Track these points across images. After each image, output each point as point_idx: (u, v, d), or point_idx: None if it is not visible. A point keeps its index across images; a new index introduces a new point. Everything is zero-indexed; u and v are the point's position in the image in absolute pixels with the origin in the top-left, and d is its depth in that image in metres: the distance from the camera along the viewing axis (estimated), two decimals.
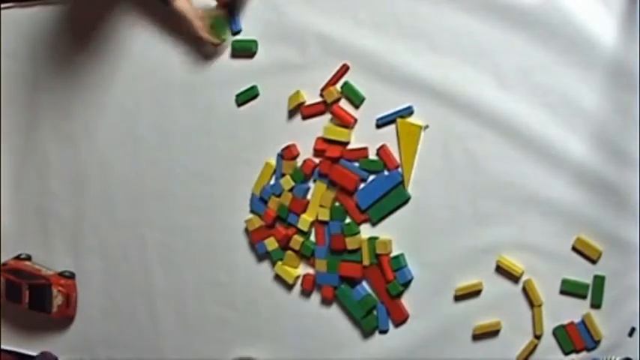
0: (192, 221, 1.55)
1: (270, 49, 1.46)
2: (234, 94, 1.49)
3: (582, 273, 1.22)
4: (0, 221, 1.77)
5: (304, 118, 1.43)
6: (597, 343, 1.22)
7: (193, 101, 1.54)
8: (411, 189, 1.35)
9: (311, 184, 1.43)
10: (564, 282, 1.24)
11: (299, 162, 1.43)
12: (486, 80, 1.27)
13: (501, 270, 1.28)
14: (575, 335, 1.23)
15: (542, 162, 1.24)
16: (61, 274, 1.68)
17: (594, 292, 1.22)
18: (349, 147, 1.39)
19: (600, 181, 1.21)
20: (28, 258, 1.74)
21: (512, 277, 1.27)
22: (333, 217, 1.40)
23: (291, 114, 1.44)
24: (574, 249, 1.23)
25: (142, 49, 1.58)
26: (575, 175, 1.22)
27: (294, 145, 1.43)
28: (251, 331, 1.50)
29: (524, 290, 1.26)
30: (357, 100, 1.38)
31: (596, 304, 1.22)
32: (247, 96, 1.48)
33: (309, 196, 1.43)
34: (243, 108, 1.49)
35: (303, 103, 1.42)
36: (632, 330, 1.19)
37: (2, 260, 1.74)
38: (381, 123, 1.36)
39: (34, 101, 1.72)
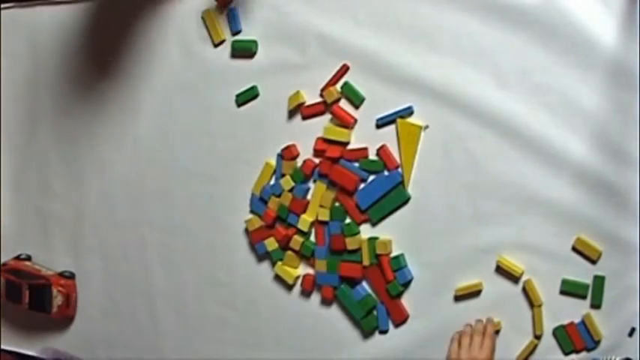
0: (192, 221, 1.55)
1: (270, 49, 1.46)
2: (234, 94, 1.49)
3: (582, 273, 1.22)
4: (0, 221, 1.77)
5: (304, 118, 1.43)
6: (597, 343, 1.22)
7: (193, 101, 1.54)
8: (411, 189, 1.35)
9: (311, 185, 1.43)
10: (564, 282, 1.23)
11: (299, 162, 1.43)
12: (486, 80, 1.27)
13: (501, 270, 1.28)
14: (575, 335, 1.23)
15: (542, 162, 1.24)
16: (61, 274, 1.68)
17: (594, 292, 1.22)
18: (349, 147, 1.39)
19: (600, 181, 1.21)
20: (28, 258, 1.74)
21: (512, 277, 1.27)
22: (333, 218, 1.40)
23: (291, 114, 1.44)
24: (574, 249, 1.23)
25: (142, 49, 1.58)
26: (575, 175, 1.22)
27: (294, 146, 1.43)
28: (251, 331, 1.50)
29: (524, 290, 1.26)
30: (357, 101, 1.38)
31: (596, 304, 1.22)
32: (247, 96, 1.48)
33: (309, 197, 1.43)
34: (243, 108, 1.49)
35: (303, 103, 1.42)
36: (632, 330, 1.19)
37: (2, 260, 1.75)
38: (381, 123, 1.36)
39: (34, 101, 1.73)
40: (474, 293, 1.30)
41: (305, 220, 1.42)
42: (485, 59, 1.27)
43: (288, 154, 1.43)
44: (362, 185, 1.38)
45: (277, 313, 1.47)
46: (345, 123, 1.38)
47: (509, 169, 1.26)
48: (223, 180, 1.51)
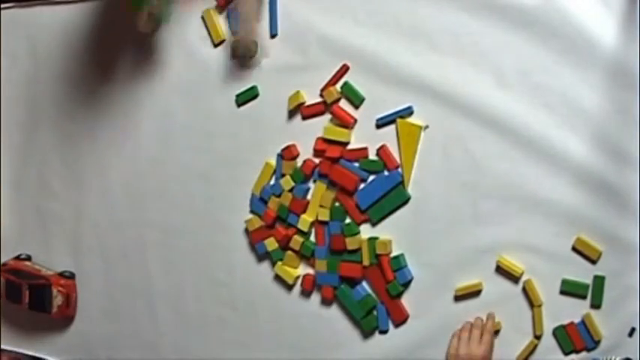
0: (192, 221, 1.55)
1: (270, 49, 1.46)
2: (234, 94, 1.49)
3: (582, 273, 1.22)
4: (0, 221, 1.77)
5: (304, 118, 1.43)
6: (597, 343, 1.22)
7: (193, 101, 1.54)
8: (411, 189, 1.35)
9: (311, 185, 1.43)
10: (564, 282, 1.23)
11: (299, 162, 1.43)
12: (486, 80, 1.27)
13: (501, 270, 1.28)
14: (575, 335, 1.23)
15: (542, 162, 1.24)
16: (61, 274, 1.68)
17: (594, 292, 1.22)
18: (349, 147, 1.39)
19: (600, 181, 1.21)
20: (28, 258, 1.74)
21: (512, 277, 1.27)
22: (333, 218, 1.40)
23: (291, 114, 1.44)
24: (574, 249, 1.23)
25: (142, 49, 1.58)
26: (576, 175, 1.22)
27: (294, 146, 1.43)
28: (251, 331, 1.50)
29: (524, 290, 1.26)
30: (357, 100, 1.38)
31: (596, 305, 1.22)
32: (247, 96, 1.48)
33: (309, 197, 1.43)
34: (243, 108, 1.49)
35: (303, 103, 1.42)
36: (632, 330, 1.19)
37: (2, 260, 1.74)
38: (381, 123, 1.36)
39: (34, 101, 1.73)
40: (473, 293, 1.30)
41: (305, 220, 1.42)
42: (485, 59, 1.27)
43: (288, 154, 1.43)
44: (362, 185, 1.38)
45: (277, 313, 1.47)
46: (345, 123, 1.38)
47: (509, 169, 1.26)
48: (223, 180, 1.51)
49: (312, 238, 1.44)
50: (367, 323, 1.38)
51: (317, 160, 1.42)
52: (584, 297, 1.22)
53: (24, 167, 1.75)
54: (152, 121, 1.58)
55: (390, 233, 1.37)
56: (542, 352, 1.26)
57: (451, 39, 1.30)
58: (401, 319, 1.36)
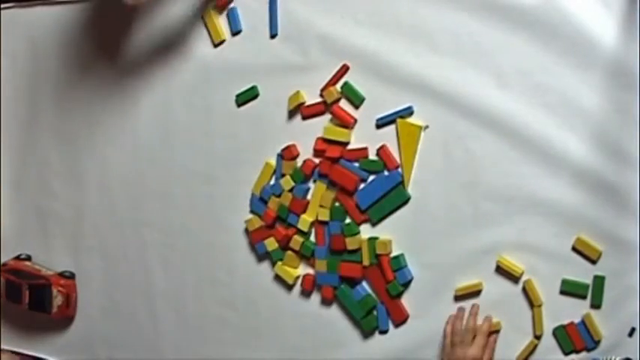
0: (192, 221, 1.55)
1: (270, 49, 1.46)
2: (234, 94, 1.49)
3: (582, 273, 1.22)
4: (0, 221, 1.77)
5: (304, 118, 1.43)
6: (597, 343, 1.22)
7: (193, 101, 1.54)
8: (410, 189, 1.35)
9: (311, 185, 1.43)
10: (564, 282, 1.23)
11: (299, 162, 1.43)
12: (486, 80, 1.27)
13: (501, 270, 1.28)
14: (575, 335, 1.23)
15: (542, 162, 1.24)
16: (61, 274, 1.68)
17: (594, 292, 1.22)
18: (349, 147, 1.39)
19: (600, 181, 1.21)
20: (28, 258, 1.74)
21: (512, 277, 1.27)
22: (333, 218, 1.40)
23: (291, 114, 1.44)
24: (574, 249, 1.23)
25: (141, 49, 1.58)
26: (575, 175, 1.22)
27: (294, 146, 1.43)
28: (251, 331, 1.50)
29: (524, 290, 1.26)
30: (357, 101, 1.38)
31: (596, 304, 1.22)
32: (247, 96, 1.48)
33: (309, 197, 1.43)
34: (243, 108, 1.49)
35: (303, 103, 1.42)
36: (632, 330, 1.19)
37: (2, 260, 1.75)
38: (381, 123, 1.36)
39: (34, 101, 1.73)
40: (473, 293, 1.30)
41: (305, 220, 1.42)
42: (486, 59, 1.27)
43: (288, 154, 1.43)
44: (362, 185, 1.38)
45: (277, 313, 1.47)
46: (345, 123, 1.38)
47: (509, 169, 1.26)
48: (223, 180, 1.51)
49: (312, 238, 1.44)
50: (367, 323, 1.38)
51: (317, 160, 1.42)
52: (584, 297, 1.22)
53: (24, 167, 1.75)
54: (152, 121, 1.58)
55: (390, 233, 1.37)
56: (542, 352, 1.26)
57: (451, 39, 1.30)
58: (401, 319, 1.36)
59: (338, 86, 1.40)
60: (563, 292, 1.24)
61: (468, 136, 1.29)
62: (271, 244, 1.46)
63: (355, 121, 1.39)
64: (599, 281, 1.21)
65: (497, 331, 1.28)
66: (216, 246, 1.53)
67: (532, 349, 1.26)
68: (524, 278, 1.26)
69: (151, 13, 1.57)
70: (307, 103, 1.42)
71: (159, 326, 1.60)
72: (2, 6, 1.75)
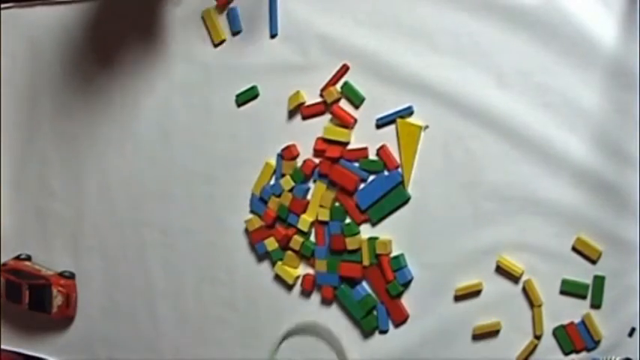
0: (192, 221, 1.55)
1: (270, 49, 1.46)
2: (234, 94, 1.49)
3: (582, 273, 1.22)
4: (0, 221, 1.77)
5: (304, 118, 1.43)
6: (597, 343, 1.22)
7: (193, 101, 1.54)
8: (410, 189, 1.35)
9: (311, 185, 1.43)
10: (564, 282, 1.23)
11: (299, 162, 1.43)
12: (486, 80, 1.27)
13: (501, 270, 1.28)
14: (575, 335, 1.23)
15: (542, 162, 1.24)
16: (61, 274, 1.68)
17: (594, 292, 1.22)
18: (349, 147, 1.39)
19: (600, 181, 1.21)
20: (28, 258, 1.74)
21: (512, 277, 1.27)
22: (333, 218, 1.40)
23: (291, 114, 1.44)
24: (574, 249, 1.23)
25: (142, 49, 1.58)
26: (575, 175, 1.22)
27: (294, 146, 1.43)
28: (251, 331, 1.50)
29: (524, 290, 1.26)
30: (357, 101, 1.38)
31: (596, 304, 1.22)
32: (247, 96, 1.48)
33: (309, 197, 1.43)
34: (243, 108, 1.49)
35: (303, 103, 1.42)
36: (632, 330, 1.19)
37: (2, 260, 1.75)
38: (381, 123, 1.36)
39: (34, 101, 1.73)
40: (473, 293, 1.30)
41: (305, 220, 1.42)
42: (486, 59, 1.27)
43: (288, 154, 1.43)
44: (362, 185, 1.38)
45: (277, 313, 1.47)
46: (345, 123, 1.38)
47: (510, 169, 1.26)
48: (223, 180, 1.51)
49: (312, 238, 1.44)
50: (367, 323, 1.38)
51: (317, 161, 1.42)
52: (584, 297, 1.23)
53: (24, 167, 1.75)
54: (152, 121, 1.58)
55: (390, 233, 1.37)
56: (542, 352, 1.26)
57: (451, 39, 1.30)
58: (401, 319, 1.36)
59: (338, 86, 1.39)
60: (563, 292, 1.24)
61: (468, 136, 1.29)
62: (271, 244, 1.46)
63: (355, 121, 1.39)
64: (599, 281, 1.21)
65: (497, 331, 1.28)
66: (216, 246, 1.53)
67: (532, 349, 1.26)
68: (524, 278, 1.26)
69: (150, 14, 1.57)
70: (307, 103, 1.42)
71: (159, 326, 1.60)
72: (2, 6, 1.75)
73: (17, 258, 1.73)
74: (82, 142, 1.67)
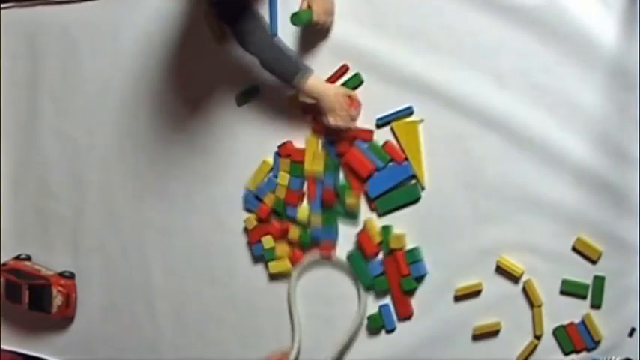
0: (192, 221, 1.55)
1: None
2: (234, 94, 1.49)
3: (582, 273, 1.22)
4: (0, 221, 1.77)
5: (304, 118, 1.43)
6: (597, 343, 1.22)
7: (193, 101, 1.54)
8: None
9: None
10: (564, 282, 1.23)
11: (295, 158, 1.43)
12: (486, 80, 1.27)
13: (501, 270, 1.28)
14: (575, 335, 1.23)
15: (542, 162, 1.24)
16: (61, 274, 1.68)
17: (594, 292, 1.22)
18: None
19: (600, 181, 1.21)
20: (28, 258, 1.74)
21: (512, 277, 1.27)
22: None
23: (291, 114, 1.44)
24: (574, 249, 1.23)
25: (142, 49, 1.58)
26: (576, 175, 1.22)
27: (290, 142, 1.43)
28: (251, 331, 1.50)
29: (524, 290, 1.26)
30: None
31: (596, 304, 1.22)
32: (247, 96, 1.48)
33: (304, 190, 1.43)
34: (243, 108, 1.49)
35: (303, 102, 1.42)
36: (632, 330, 1.19)
37: (2, 260, 1.74)
38: (381, 123, 1.36)
39: (34, 101, 1.73)
40: (473, 293, 1.30)
41: (302, 210, 1.41)
42: (486, 59, 1.27)
43: (284, 151, 1.43)
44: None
45: (277, 312, 1.47)
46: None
47: (509, 169, 1.26)
48: (223, 180, 1.51)
49: (310, 234, 1.44)
50: (373, 322, 1.38)
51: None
52: (584, 297, 1.23)
53: (24, 167, 1.75)
54: (152, 121, 1.58)
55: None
56: (542, 352, 1.26)
57: (451, 39, 1.30)
58: (406, 314, 1.35)
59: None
60: (563, 292, 1.24)
61: (467, 136, 1.29)
62: (268, 242, 1.45)
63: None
64: (599, 281, 1.21)
65: (497, 331, 1.28)
66: (215, 246, 1.53)
67: (532, 349, 1.26)
68: (524, 278, 1.26)
69: (151, 14, 1.57)
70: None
71: (158, 326, 1.60)
72: (2, 6, 1.75)
73: (17, 258, 1.73)
74: (81, 141, 1.67)
